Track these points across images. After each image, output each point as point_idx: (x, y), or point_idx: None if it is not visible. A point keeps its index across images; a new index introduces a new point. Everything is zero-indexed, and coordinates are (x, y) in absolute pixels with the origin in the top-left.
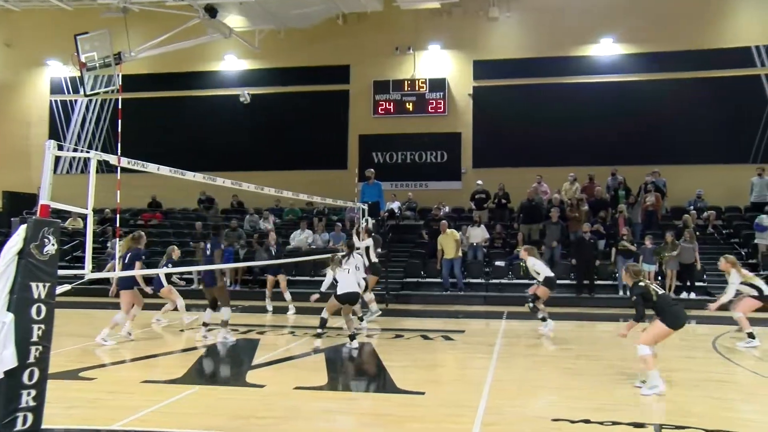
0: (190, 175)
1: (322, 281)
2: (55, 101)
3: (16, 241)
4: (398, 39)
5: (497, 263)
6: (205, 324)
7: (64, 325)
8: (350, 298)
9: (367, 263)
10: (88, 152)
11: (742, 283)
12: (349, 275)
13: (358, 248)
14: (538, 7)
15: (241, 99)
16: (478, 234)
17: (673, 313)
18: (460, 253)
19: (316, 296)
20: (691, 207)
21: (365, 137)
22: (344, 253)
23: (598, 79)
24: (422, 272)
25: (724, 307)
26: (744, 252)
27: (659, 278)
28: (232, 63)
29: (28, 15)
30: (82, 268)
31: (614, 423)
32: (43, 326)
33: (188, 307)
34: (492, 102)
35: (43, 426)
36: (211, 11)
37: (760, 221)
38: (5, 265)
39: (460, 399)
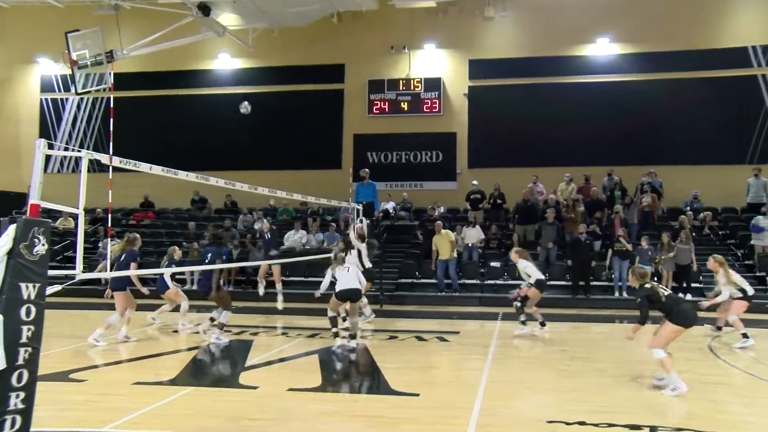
0: (182, 175)
1: (316, 281)
2: (46, 99)
3: (6, 241)
4: (393, 38)
5: (492, 264)
6: (221, 327)
7: (55, 327)
8: (350, 295)
9: (361, 268)
10: (79, 151)
11: (728, 283)
12: (349, 273)
13: (354, 246)
14: (534, 6)
15: (242, 110)
16: (474, 235)
17: (683, 311)
18: (455, 254)
19: (318, 295)
20: (688, 208)
21: (360, 137)
22: (342, 248)
23: (594, 79)
24: (417, 273)
25: (712, 309)
26: (740, 253)
27: (655, 279)
28: (225, 62)
29: (19, 11)
30: (74, 268)
31: (610, 425)
32: (32, 327)
33: (188, 308)
34: (487, 102)
35: (33, 429)
36: (205, 9)
37: (756, 222)
38: None
39: (455, 400)
